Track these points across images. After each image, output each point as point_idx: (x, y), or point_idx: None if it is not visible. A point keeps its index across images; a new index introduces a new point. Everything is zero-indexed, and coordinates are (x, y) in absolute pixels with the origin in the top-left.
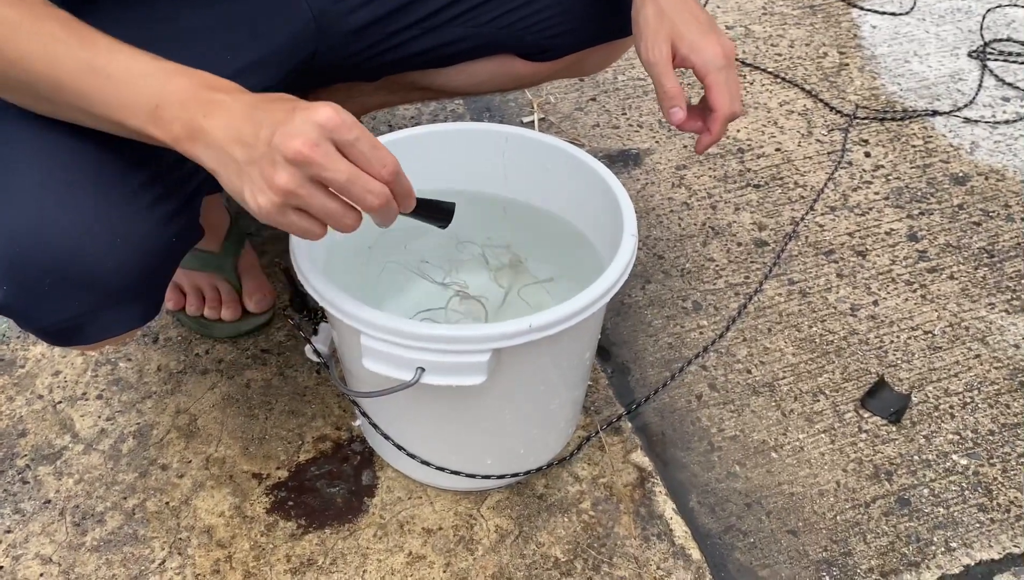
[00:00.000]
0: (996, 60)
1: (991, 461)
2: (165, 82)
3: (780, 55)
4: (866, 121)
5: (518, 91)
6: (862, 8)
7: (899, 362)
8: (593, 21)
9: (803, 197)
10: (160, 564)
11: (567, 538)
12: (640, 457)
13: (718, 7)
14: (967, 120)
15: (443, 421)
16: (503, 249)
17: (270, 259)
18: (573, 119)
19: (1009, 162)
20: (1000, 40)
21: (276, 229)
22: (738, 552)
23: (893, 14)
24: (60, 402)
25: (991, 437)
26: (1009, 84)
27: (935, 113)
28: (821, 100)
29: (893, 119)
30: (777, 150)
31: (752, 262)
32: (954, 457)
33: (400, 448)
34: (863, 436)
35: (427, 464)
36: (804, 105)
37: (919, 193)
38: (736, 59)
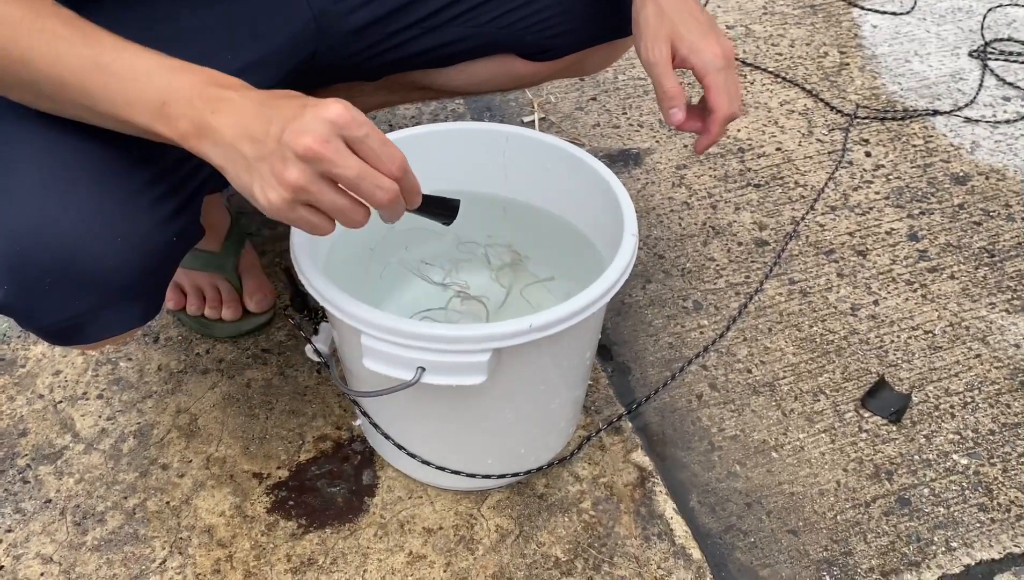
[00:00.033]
0: (997, 60)
1: (991, 461)
2: (171, 79)
3: (781, 55)
4: (867, 121)
5: (518, 91)
6: (863, 8)
7: (899, 362)
8: (593, 21)
9: (804, 197)
10: (161, 564)
11: (568, 538)
12: (640, 457)
13: (719, 7)
14: (968, 120)
15: (443, 421)
16: (504, 248)
17: (271, 259)
18: (574, 119)
19: (1010, 162)
20: (1001, 40)
21: (276, 229)
22: (738, 552)
23: (894, 13)
24: (61, 402)
25: (991, 437)
26: (1010, 84)
27: (936, 113)
28: (822, 100)
29: (894, 119)
30: (778, 150)
31: (752, 262)
32: (954, 457)
33: (400, 448)
34: (863, 436)
35: (427, 464)
36: (805, 105)
37: (920, 193)
38: (737, 59)
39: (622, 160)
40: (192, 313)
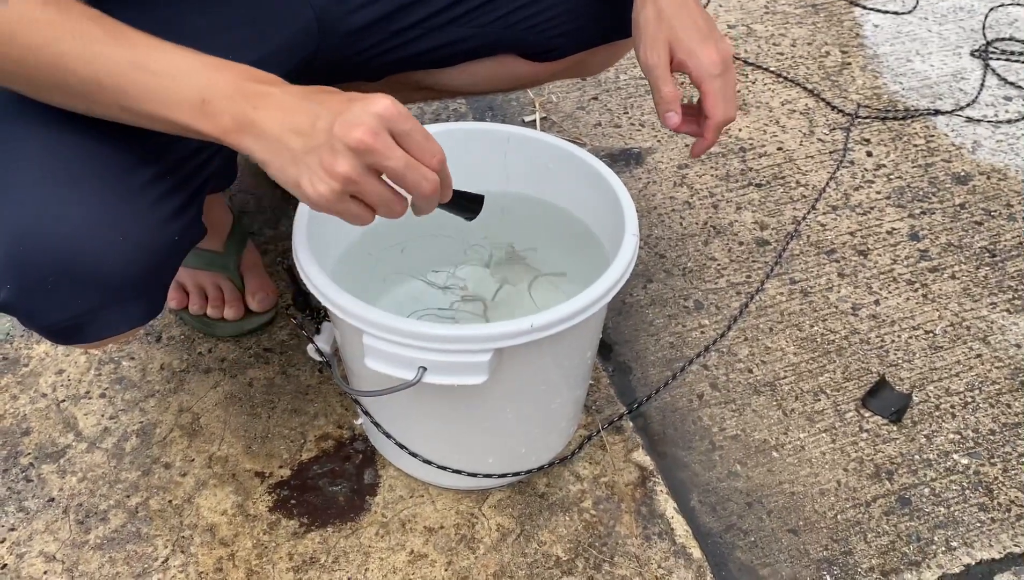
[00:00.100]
0: (998, 59)
1: (992, 460)
2: (211, 76)
3: (782, 54)
4: (868, 120)
5: (520, 90)
6: (864, 7)
7: (900, 361)
8: (596, 22)
9: (805, 196)
10: (163, 562)
11: (568, 537)
12: (641, 456)
13: (720, 6)
14: (969, 119)
15: (445, 420)
16: (505, 248)
17: (273, 258)
18: (575, 118)
19: (1011, 161)
20: (1002, 39)
21: (279, 228)
22: (739, 551)
23: (895, 13)
24: (64, 400)
25: (992, 436)
26: (1011, 83)
27: (937, 112)
28: (823, 99)
29: (895, 118)
30: (779, 149)
31: (754, 261)
32: (955, 456)
33: (402, 447)
34: (864, 435)
35: (429, 463)
36: (806, 104)
37: (921, 192)
38: (738, 58)
39: (623, 159)
40: (194, 312)
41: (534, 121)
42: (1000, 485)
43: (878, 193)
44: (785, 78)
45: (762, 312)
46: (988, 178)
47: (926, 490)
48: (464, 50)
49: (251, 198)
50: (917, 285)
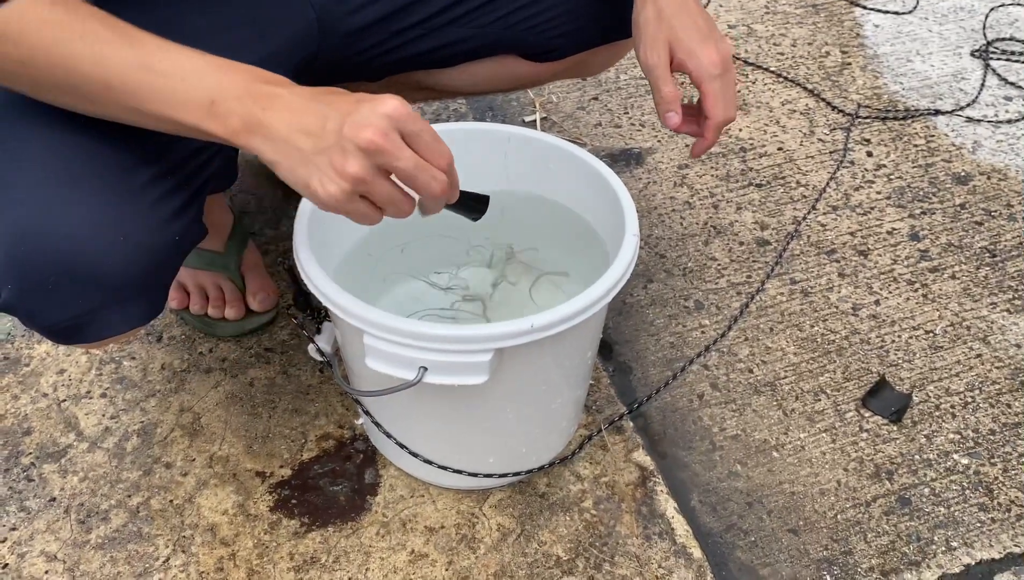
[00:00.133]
0: (999, 59)
1: (992, 460)
2: (220, 78)
3: (782, 54)
4: (868, 120)
5: (520, 91)
6: (865, 7)
7: (900, 361)
8: (596, 22)
9: (805, 196)
10: (164, 562)
11: (569, 537)
12: (642, 456)
13: (720, 6)
14: (969, 119)
15: (445, 420)
16: (506, 248)
17: (273, 258)
18: (575, 118)
19: (1011, 161)
20: (1003, 39)
21: (279, 228)
22: (739, 551)
23: (896, 13)
24: (65, 400)
25: (992, 437)
26: (1012, 83)
27: (937, 112)
28: (823, 99)
29: (895, 118)
30: (779, 149)
31: (754, 261)
32: (955, 456)
33: (402, 447)
34: (864, 435)
35: (429, 463)
36: (806, 104)
37: (921, 192)
38: (738, 58)
39: (624, 159)
40: (195, 312)
41: (534, 121)
42: (1000, 485)
43: (878, 193)
44: (785, 78)
45: (762, 312)
46: (988, 178)
47: (926, 490)
48: (464, 50)
49: (252, 198)
50: (917, 285)
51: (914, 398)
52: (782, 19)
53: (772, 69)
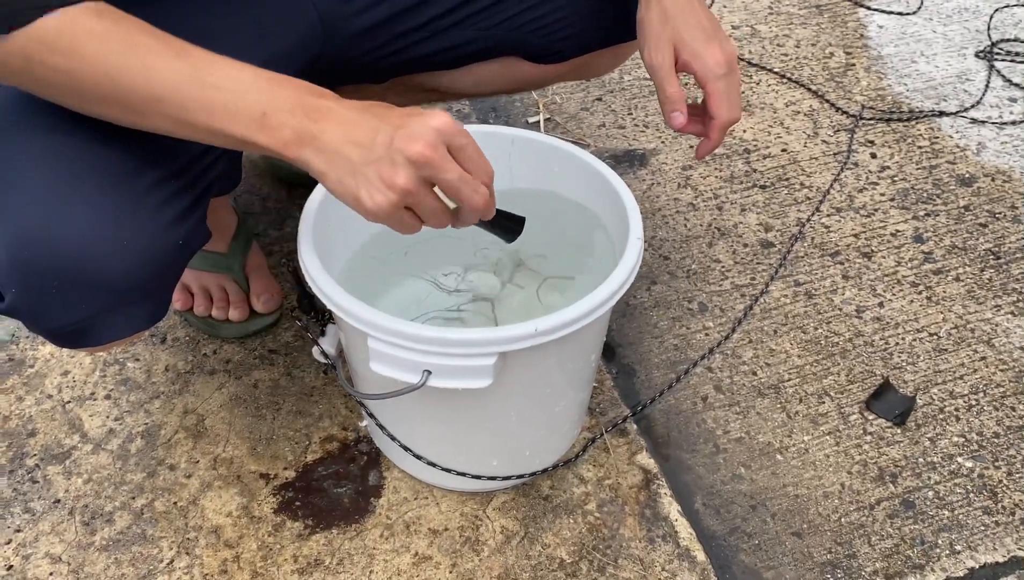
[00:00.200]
0: (1003, 60)
1: (996, 464)
2: (271, 90)
3: (786, 55)
4: (872, 122)
5: (524, 92)
6: (869, 8)
7: (904, 364)
8: (600, 24)
9: (809, 198)
10: (168, 564)
11: (572, 539)
12: (645, 459)
13: (724, 7)
14: (974, 121)
15: (449, 423)
16: (512, 255)
17: (277, 260)
18: (579, 119)
19: (1016, 163)
20: (1007, 40)
21: (283, 230)
22: (743, 554)
23: (900, 14)
24: (69, 402)
25: (996, 440)
26: (1016, 84)
27: (942, 114)
28: (827, 100)
29: (899, 120)
30: (783, 151)
31: (758, 263)
32: (959, 460)
33: (406, 449)
34: (868, 438)
35: (433, 465)
36: (810, 105)
37: (925, 194)
38: (742, 59)
39: (627, 161)
40: (199, 314)
41: (538, 122)
42: (1004, 488)
43: (882, 195)
44: (789, 79)
45: (766, 314)
46: (993, 180)
47: (930, 493)
48: (469, 52)
49: (256, 199)
50: (921, 287)
51: (918, 401)
52: (786, 20)
53: (776, 70)
